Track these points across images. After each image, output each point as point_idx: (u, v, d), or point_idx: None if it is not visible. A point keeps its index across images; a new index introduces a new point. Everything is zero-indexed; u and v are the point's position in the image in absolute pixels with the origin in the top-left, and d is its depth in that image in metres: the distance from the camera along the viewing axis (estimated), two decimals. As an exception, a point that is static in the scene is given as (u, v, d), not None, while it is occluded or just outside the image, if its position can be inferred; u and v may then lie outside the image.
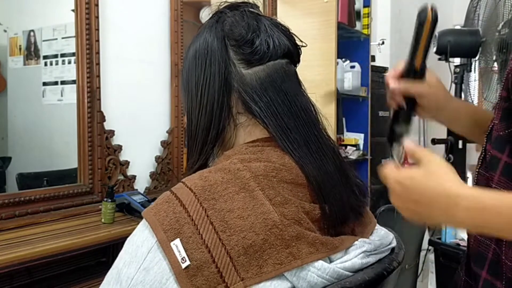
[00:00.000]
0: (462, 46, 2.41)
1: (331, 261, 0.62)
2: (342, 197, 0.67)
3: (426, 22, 0.70)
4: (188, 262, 0.56)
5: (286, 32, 0.75)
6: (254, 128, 0.71)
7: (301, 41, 0.77)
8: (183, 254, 0.56)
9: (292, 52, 0.74)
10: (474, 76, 2.56)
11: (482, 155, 0.79)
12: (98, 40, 1.65)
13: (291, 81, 0.72)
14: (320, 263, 0.59)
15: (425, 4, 0.71)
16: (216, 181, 0.61)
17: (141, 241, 0.60)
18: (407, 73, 0.76)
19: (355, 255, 0.64)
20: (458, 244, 2.24)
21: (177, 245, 0.57)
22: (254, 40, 0.70)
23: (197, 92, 0.72)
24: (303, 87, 0.75)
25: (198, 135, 0.73)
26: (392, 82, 0.78)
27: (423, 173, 0.59)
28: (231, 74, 0.71)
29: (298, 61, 0.77)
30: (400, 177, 0.60)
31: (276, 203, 0.60)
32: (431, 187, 0.57)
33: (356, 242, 0.65)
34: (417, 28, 0.71)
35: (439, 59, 2.59)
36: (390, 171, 0.62)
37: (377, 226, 0.74)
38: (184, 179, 0.64)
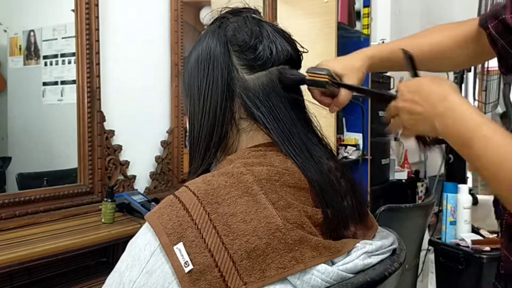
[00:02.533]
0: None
1: (333, 264, 0.62)
2: (344, 201, 0.67)
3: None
4: (191, 266, 0.56)
5: (288, 38, 0.75)
6: (257, 133, 0.71)
7: (302, 47, 0.77)
8: (186, 258, 0.56)
9: (294, 57, 0.75)
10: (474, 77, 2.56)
11: None
12: (98, 40, 1.65)
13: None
14: (323, 267, 0.59)
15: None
16: (219, 185, 0.61)
17: (143, 244, 0.60)
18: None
19: (356, 256, 0.64)
20: (458, 244, 2.24)
21: (180, 249, 0.57)
22: (257, 46, 0.71)
23: (200, 97, 0.73)
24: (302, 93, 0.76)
25: (201, 140, 0.73)
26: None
27: (428, 79, 0.68)
28: (233, 79, 0.71)
29: (300, 67, 0.77)
30: (410, 82, 0.70)
31: (279, 207, 0.60)
32: (432, 88, 0.66)
33: (357, 244, 0.65)
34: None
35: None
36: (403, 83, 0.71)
37: (379, 228, 0.74)
38: (187, 183, 0.64)
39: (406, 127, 0.70)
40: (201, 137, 0.73)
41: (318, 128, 0.74)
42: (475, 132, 0.61)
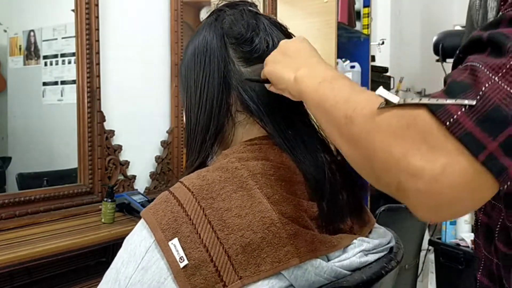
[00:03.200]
0: (455, 47, 2.41)
1: (329, 260, 0.62)
2: (340, 194, 0.67)
3: None
4: (186, 262, 0.56)
5: (284, 31, 0.75)
6: (252, 127, 0.71)
7: None
8: (181, 253, 0.56)
9: None
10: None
11: None
12: (98, 40, 1.66)
13: None
14: (318, 262, 0.59)
15: None
16: (214, 180, 0.61)
17: (139, 240, 0.60)
18: None
19: (353, 254, 0.64)
20: (458, 244, 2.25)
21: (175, 245, 0.57)
22: (254, 39, 0.71)
23: (196, 90, 0.73)
24: None
25: (197, 133, 0.73)
26: None
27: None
28: (230, 72, 0.71)
29: None
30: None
31: (274, 201, 0.60)
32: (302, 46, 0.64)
33: (354, 241, 0.65)
34: None
35: (437, 61, 2.59)
36: None
37: (376, 225, 0.74)
38: (182, 179, 0.64)
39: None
40: (197, 130, 0.73)
41: (315, 121, 0.74)
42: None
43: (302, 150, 0.67)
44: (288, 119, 0.69)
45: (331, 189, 0.65)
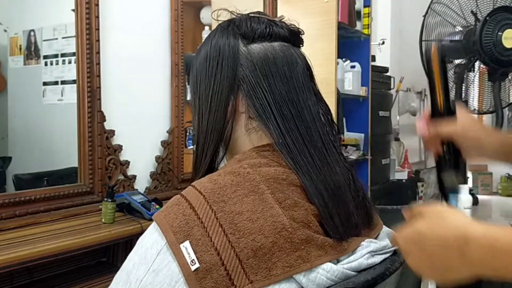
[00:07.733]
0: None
1: (338, 261, 0.62)
2: (351, 200, 0.67)
3: (432, 61, 0.69)
4: (197, 265, 0.56)
5: (295, 27, 0.76)
6: (266, 133, 0.70)
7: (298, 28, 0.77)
8: (193, 256, 0.56)
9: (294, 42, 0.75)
10: (474, 76, 2.56)
11: None
12: (98, 40, 1.65)
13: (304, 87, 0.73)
14: (329, 265, 0.60)
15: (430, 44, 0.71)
16: (226, 184, 0.61)
17: (150, 243, 0.60)
18: (433, 115, 0.73)
19: (361, 255, 0.64)
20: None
21: (186, 247, 0.57)
22: (267, 31, 0.71)
23: (207, 97, 0.72)
24: (316, 90, 0.75)
25: (209, 139, 0.72)
26: (421, 128, 0.75)
27: (427, 224, 0.56)
28: (242, 78, 0.70)
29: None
30: (408, 236, 0.58)
31: (285, 206, 0.60)
32: (439, 234, 0.54)
33: (362, 242, 0.65)
34: (427, 67, 0.71)
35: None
36: (398, 235, 0.61)
37: (384, 227, 0.74)
38: (194, 183, 0.64)
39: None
40: (210, 137, 0.72)
41: (333, 127, 0.73)
42: None
43: (313, 161, 0.66)
44: (300, 126, 0.68)
45: (342, 196, 0.65)
